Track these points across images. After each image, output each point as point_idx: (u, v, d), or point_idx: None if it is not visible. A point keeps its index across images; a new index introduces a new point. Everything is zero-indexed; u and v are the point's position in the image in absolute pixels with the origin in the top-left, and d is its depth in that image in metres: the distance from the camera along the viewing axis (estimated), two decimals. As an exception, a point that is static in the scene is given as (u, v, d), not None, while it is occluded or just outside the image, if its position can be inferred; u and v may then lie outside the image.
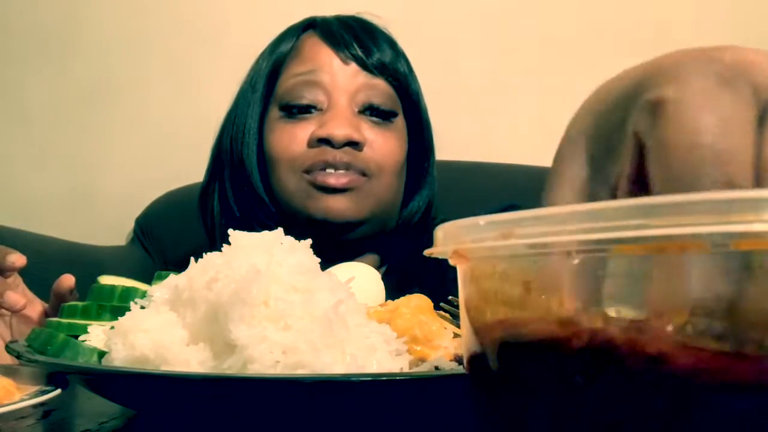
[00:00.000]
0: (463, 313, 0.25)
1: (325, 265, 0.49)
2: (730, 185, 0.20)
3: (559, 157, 0.25)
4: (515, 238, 0.21)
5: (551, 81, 1.22)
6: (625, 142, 0.23)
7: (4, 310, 0.67)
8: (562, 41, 1.24)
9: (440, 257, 0.25)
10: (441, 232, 0.25)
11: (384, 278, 0.88)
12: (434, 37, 1.24)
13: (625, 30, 1.21)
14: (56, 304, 0.65)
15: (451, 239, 0.24)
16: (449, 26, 1.27)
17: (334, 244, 0.82)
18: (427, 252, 0.26)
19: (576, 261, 0.20)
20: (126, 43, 1.33)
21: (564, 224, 0.19)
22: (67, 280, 0.65)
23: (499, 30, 1.26)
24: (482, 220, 0.22)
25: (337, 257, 0.78)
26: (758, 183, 0.21)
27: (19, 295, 0.65)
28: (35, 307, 0.68)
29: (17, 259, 0.65)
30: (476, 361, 0.24)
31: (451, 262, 0.25)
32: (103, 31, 1.34)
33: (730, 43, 0.24)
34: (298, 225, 0.82)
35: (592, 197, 0.24)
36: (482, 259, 0.24)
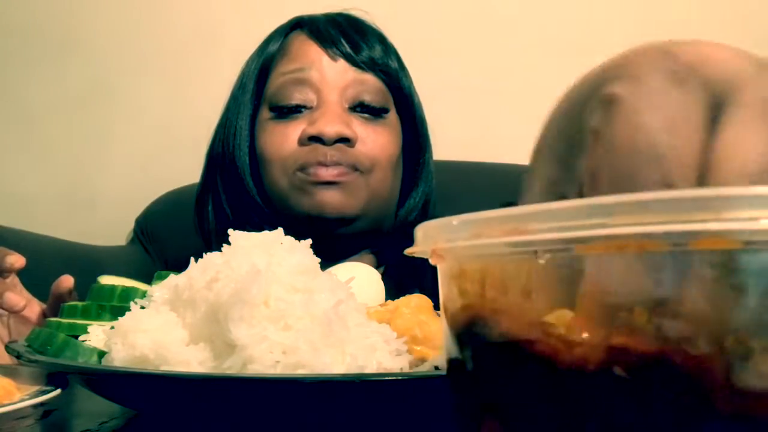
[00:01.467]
0: (441, 314, 0.25)
1: (322, 265, 0.49)
2: (667, 185, 0.20)
3: (532, 158, 0.25)
4: (485, 237, 0.21)
5: (551, 81, 1.22)
6: (585, 137, 0.23)
7: (2, 311, 0.67)
8: (561, 40, 1.24)
9: (420, 257, 0.25)
10: (421, 231, 0.25)
11: (382, 279, 0.88)
12: (432, 36, 1.24)
13: (625, 30, 1.21)
14: (55, 305, 0.65)
15: (430, 238, 0.24)
16: (448, 25, 1.27)
17: (330, 243, 0.82)
18: (407, 251, 0.26)
19: (542, 261, 0.20)
20: (125, 44, 1.33)
21: (529, 223, 0.19)
22: (66, 281, 0.65)
23: (498, 29, 1.26)
24: (455, 219, 0.22)
25: (333, 256, 0.78)
26: (701, 183, 0.20)
27: (18, 296, 0.65)
28: (33, 307, 0.68)
29: (16, 260, 0.65)
30: (455, 363, 0.24)
31: (431, 261, 0.25)
32: (103, 31, 1.34)
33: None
34: (293, 224, 0.82)
35: (560, 197, 0.24)
36: (457, 259, 0.24)
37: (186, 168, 1.16)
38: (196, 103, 1.28)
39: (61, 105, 1.33)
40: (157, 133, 1.31)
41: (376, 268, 0.90)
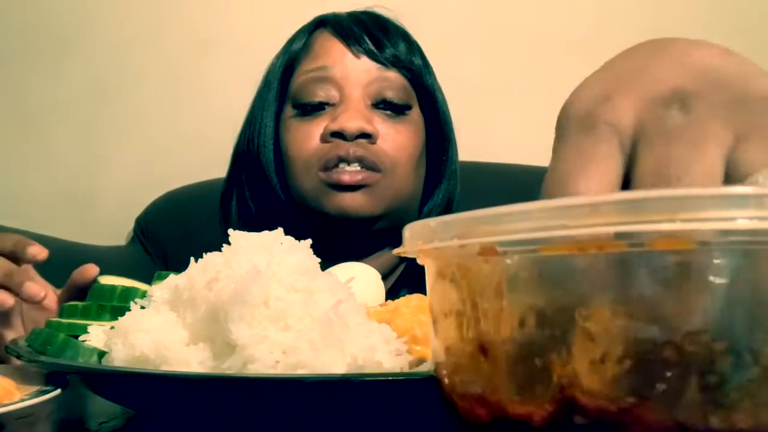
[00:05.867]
0: (429, 317, 0.25)
1: (326, 264, 0.48)
2: None
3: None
4: (459, 239, 0.21)
5: (551, 81, 1.22)
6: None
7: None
8: (562, 41, 1.24)
9: (409, 257, 0.25)
10: (408, 231, 0.24)
11: (402, 275, 0.88)
12: (433, 35, 1.24)
13: (625, 30, 1.21)
14: (74, 294, 0.63)
15: (414, 239, 0.24)
16: (449, 25, 1.27)
17: (351, 241, 0.82)
18: (396, 251, 0.26)
19: (509, 261, 0.20)
20: (126, 44, 1.33)
21: (499, 225, 0.20)
22: (92, 270, 0.62)
23: (500, 29, 1.26)
24: (434, 221, 0.22)
25: (354, 253, 0.78)
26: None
27: (39, 285, 0.64)
28: (51, 296, 0.67)
29: (39, 251, 0.63)
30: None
31: (418, 262, 0.25)
32: (104, 31, 1.34)
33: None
34: (315, 222, 0.82)
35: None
36: (438, 260, 0.23)
37: (186, 168, 1.16)
38: (197, 104, 1.28)
39: (61, 105, 1.33)
40: (157, 133, 1.31)
41: (397, 265, 0.90)
